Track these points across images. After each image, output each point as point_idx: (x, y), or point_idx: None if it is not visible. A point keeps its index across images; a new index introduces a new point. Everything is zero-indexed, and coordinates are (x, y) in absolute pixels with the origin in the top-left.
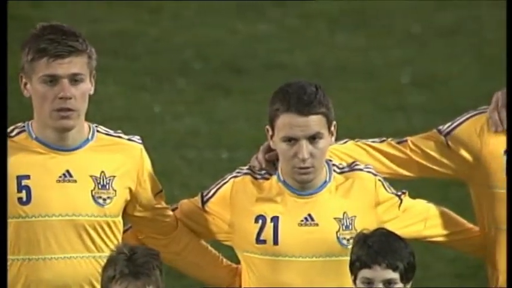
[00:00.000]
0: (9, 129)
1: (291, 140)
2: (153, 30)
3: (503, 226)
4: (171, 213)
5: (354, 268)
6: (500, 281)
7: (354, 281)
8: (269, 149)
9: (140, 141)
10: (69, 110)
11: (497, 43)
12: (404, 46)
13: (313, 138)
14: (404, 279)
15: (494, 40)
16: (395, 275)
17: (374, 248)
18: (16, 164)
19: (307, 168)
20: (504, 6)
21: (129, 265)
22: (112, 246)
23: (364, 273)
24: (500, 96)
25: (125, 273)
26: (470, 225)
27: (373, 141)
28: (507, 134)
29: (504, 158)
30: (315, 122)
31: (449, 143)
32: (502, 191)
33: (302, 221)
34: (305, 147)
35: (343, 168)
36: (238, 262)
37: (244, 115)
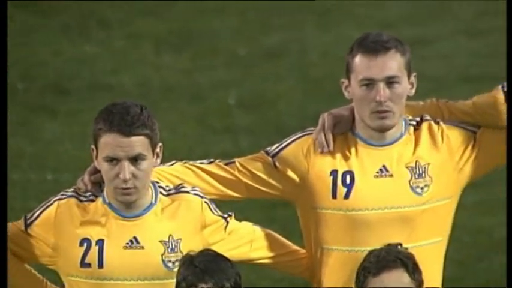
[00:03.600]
0: None
1: (112, 160)
2: None
3: (329, 246)
4: None
5: None
6: None
7: None
8: (95, 171)
9: None
10: None
11: (322, 65)
12: (230, 67)
13: (135, 160)
14: None
15: (318, 62)
16: None
17: (200, 267)
18: None
19: (129, 189)
20: (328, 30)
21: None
22: None
23: None
24: (326, 117)
25: None
26: (296, 247)
27: (201, 163)
28: (507, 135)
29: (330, 179)
30: (138, 143)
31: (277, 164)
32: (328, 211)
33: (127, 243)
34: (127, 168)
35: (169, 190)
36: (62, 286)
37: (70, 136)
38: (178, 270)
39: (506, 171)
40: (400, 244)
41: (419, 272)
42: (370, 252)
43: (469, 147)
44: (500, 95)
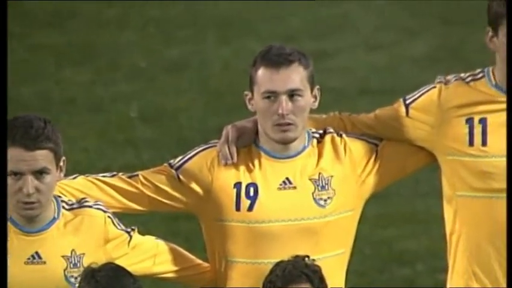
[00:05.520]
0: None
1: (16, 174)
2: None
3: (233, 258)
4: None
5: None
6: None
7: None
8: None
9: None
10: None
11: (222, 78)
12: (131, 80)
13: (39, 173)
14: None
15: (219, 75)
16: None
17: (102, 283)
18: None
19: (32, 203)
20: (229, 43)
21: None
22: None
23: None
24: (230, 129)
25: None
26: (199, 261)
27: (104, 176)
28: (507, 135)
29: (234, 191)
30: (42, 157)
31: (181, 176)
32: (232, 223)
33: (29, 259)
34: (30, 182)
35: (72, 204)
36: None
37: None
38: (80, 283)
39: (507, 172)
40: (308, 256)
41: (325, 286)
42: (277, 265)
43: (371, 160)
44: (401, 108)
